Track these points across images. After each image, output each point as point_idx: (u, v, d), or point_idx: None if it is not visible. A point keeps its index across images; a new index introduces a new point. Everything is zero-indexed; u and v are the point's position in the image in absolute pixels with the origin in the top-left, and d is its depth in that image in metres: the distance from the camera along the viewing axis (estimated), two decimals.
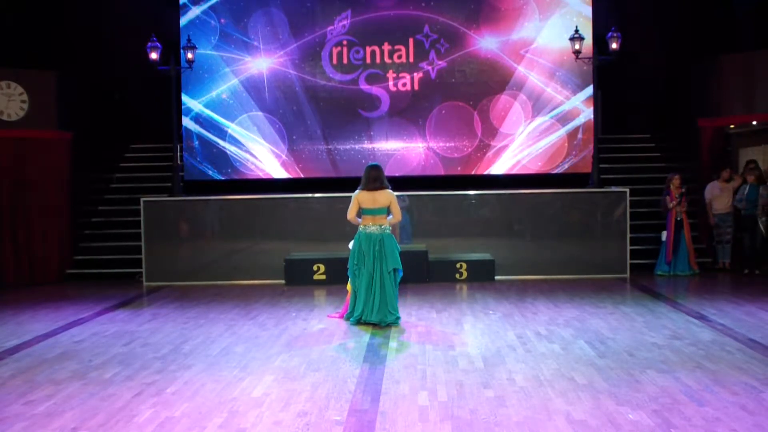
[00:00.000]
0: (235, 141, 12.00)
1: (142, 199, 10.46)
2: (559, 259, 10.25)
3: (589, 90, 11.61)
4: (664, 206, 10.17)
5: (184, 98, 11.87)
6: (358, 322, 7.11)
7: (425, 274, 9.76)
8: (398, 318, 7.15)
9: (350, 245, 7.25)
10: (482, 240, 10.43)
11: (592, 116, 11.65)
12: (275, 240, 10.46)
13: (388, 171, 11.45)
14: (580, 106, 11.78)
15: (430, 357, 5.85)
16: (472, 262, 9.93)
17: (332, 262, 9.85)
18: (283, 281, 9.94)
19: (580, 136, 11.78)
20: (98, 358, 6.02)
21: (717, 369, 5.36)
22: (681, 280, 9.73)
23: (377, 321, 7.01)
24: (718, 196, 10.47)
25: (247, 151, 12.03)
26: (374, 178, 7.05)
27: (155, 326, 7.28)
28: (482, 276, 9.85)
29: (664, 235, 10.10)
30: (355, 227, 7.26)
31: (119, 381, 5.31)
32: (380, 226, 7.09)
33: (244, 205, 10.64)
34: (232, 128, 11.99)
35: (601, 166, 11.23)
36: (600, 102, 12.09)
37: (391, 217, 7.19)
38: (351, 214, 7.13)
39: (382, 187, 7.05)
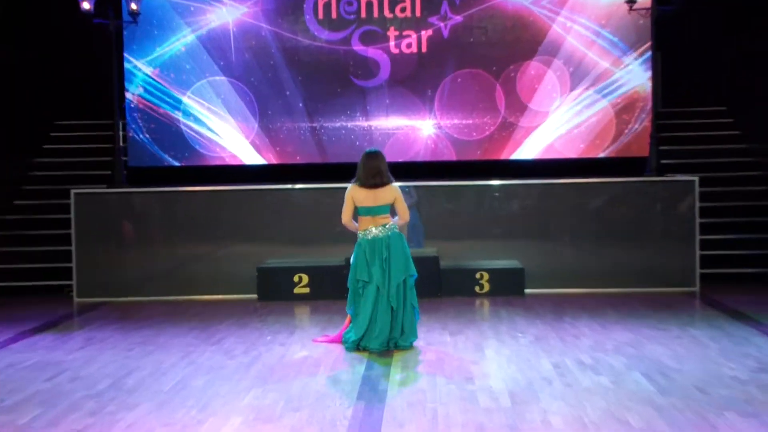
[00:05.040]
0: (193, 115, 11.95)
1: (72, 191, 10.40)
2: (607, 268, 10.21)
3: (647, 51, 11.55)
4: None
5: (127, 60, 11.80)
6: (357, 347, 7.11)
7: (436, 287, 9.71)
8: (413, 340, 7.25)
9: (352, 260, 7.27)
10: (508, 243, 10.40)
11: (649, 85, 11.60)
12: (245, 243, 10.42)
13: (388, 156, 11.28)
14: (634, 73, 11.72)
15: (442, 392, 5.82)
16: (496, 272, 9.91)
17: (318, 271, 9.82)
18: (255, 296, 9.92)
19: (634, 111, 11.71)
20: (12, 396, 5.96)
21: None
22: None
23: (391, 346, 7.09)
24: None
25: (209, 129, 11.97)
26: (374, 171, 7.05)
27: (89, 354, 7.23)
28: (509, 289, 9.82)
29: None
30: (353, 233, 7.27)
31: (40, 427, 5.25)
32: (384, 226, 7.11)
33: (205, 199, 10.61)
34: (189, 98, 11.93)
35: (661, 148, 11.18)
36: (660, 67, 12.04)
37: (396, 218, 7.22)
38: (345, 216, 7.15)
39: (383, 183, 7.07)
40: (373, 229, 7.10)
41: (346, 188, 7.21)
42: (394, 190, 7.12)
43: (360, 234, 7.17)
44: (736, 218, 10.90)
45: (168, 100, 11.95)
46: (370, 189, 7.06)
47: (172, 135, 11.97)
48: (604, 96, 11.78)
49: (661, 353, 6.86)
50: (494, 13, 11.85)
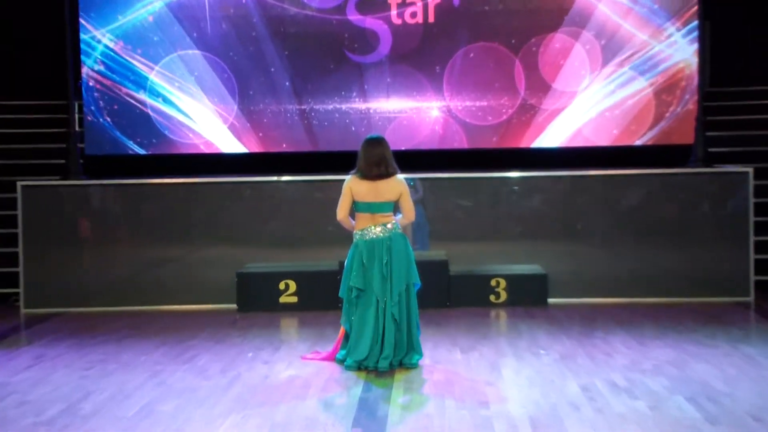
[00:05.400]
0: (161, 96, 11.93)
1: (19, 183, 10.41)
2: (645, 274, 10.23)
3: (692, 20, 11.55)
4: None
5: (84, 29, 11.76)
6: (359, 367, 7.12)
7: (444, 296, 9.75)
8: (418, 358, 7.28)
9: (345, 264, 7.30)
10: (529, 245, 10.43)
11: (695, 61, 11.59)
12: (223, 245, 10.46)
13: (389, 143, 11.36)
14: (677, 46, 11.70)
15: (452, 418, 5.82)
16: (515, 278, 9.94)
17: (307, 277, 9.85)
18: (234, 306, 9.95)
19: (676, 91, 11.70)
20: None
21: None
22: None
23: (395, 365, 7.11)
24: None
25: (181, 111, 11.97)
26: (377, 160, 7.09)
27: (39, 375, 7.23)
28: (529, 298, 9.86)
29: None
30: (350, 233, 7.29)
31: None
32: (385, 225, 7.13)
33: (176, 193, 10.63)
34: (157, 75, 11.91)
35: (708, 134, 11.18)
36: (708, 39, 12.00)
37: (400, 216, 7.25)
38: (342, 212, 7.18)
39: (388, 174, 7.08)
40: (373, 228, 7.12)
41: (338, 181, 7.25)
42: (400, 185, 7.15)
43: (357, 234, 7.18)
44: None
45: (132, 77, 11.91)
46: (372, 181, 7.08)
47: (136, 118, 11.93)
48: (642, 74, 11.75)
49: (708, 374, 6.86)
50: None
